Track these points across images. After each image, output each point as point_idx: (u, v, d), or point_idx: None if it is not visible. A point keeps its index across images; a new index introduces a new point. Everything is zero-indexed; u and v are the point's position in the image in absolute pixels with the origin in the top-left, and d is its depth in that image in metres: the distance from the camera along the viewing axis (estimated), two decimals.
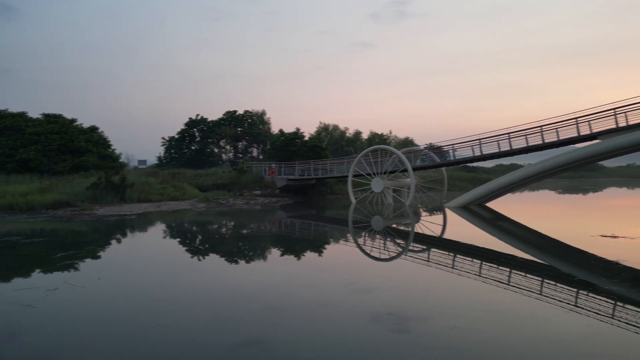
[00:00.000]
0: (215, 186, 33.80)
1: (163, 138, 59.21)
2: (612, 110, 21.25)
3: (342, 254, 13.56)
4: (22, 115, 36.13)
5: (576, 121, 22.67)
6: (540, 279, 9.44)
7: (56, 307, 7.47)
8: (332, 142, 60.31)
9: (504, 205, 26.75)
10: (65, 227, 17.89)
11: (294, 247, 14.61)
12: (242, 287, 8.86)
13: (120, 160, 41.28)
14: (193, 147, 58.98)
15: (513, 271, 10.31)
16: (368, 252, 13.33)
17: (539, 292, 8.24)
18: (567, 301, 7.64)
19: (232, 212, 24.90)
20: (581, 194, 41.78)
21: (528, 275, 9.92)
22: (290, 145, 42.66)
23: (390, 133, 64.11)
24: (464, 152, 28.11)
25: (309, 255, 13.01)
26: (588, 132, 22.21)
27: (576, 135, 22.73)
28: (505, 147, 25.47)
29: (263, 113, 64.51)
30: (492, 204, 26.69)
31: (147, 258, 12.36)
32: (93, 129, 38.80)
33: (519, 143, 24.94)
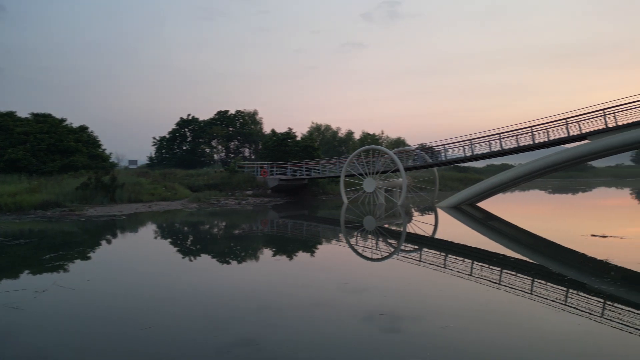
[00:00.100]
0: (207, 186, 33.63)
1: (154, 138, 58.85)
2: (602, 111, 21.45)
3: (334, 254, 13.54)
4: (10, 115, 35.66)
5: (566, 121, 22.87)
6: (531, 278, 9.49)
7: (44, 309, 7.36)
8: (324, 142, 60.29)
9: (495, 205, 26.91)
10: (54, 227, 17.68)
11: (286, 247, 14.57)
12: (234, 288, 8.80)
13: (111, 160, 40.92)
14: (184, 147, 58.64)
15: (504, 271, 10.35)
16: (360, 252, 13.32)
17: (530, 292, 8.28)
18: (558, 300, 7.69)
19: (223, 213, 24.78)
20: (571, 194, 42.17)
21: (519, 274, 9.97)
22: (283, 145, 42.57)
23: (382, 133, 64.31)
24: (456, 152, 28.25)
25: (302, 256, 12.97)
26: (578, 133, 22.42)
27: (566, 135, 22.93)
28: (496, 147, 25.63)
29: (255, 113, 64.35)
30: (483, 204, 26.84)
31: (137, 259, 12.25)
32: (83, 128, 38.41)
33: (509, 143, 25.10)
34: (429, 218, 22.65)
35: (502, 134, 25.28)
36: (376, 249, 14.00)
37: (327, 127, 64.86)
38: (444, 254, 12.68)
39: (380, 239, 16.11)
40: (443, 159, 29.47)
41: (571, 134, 22.71)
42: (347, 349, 5.62)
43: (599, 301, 7.70)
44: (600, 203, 32.90)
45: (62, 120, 37.29)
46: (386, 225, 20.12)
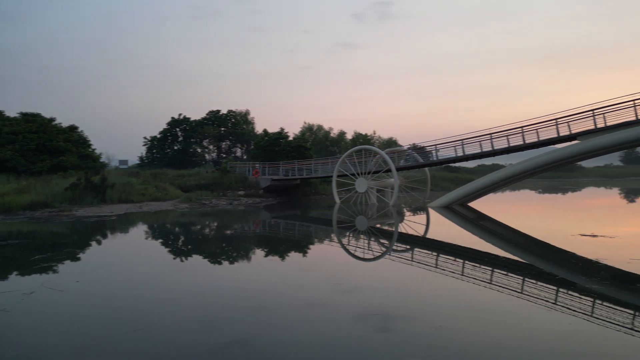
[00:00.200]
0: (198, 186, 33.45)
1: (145, 138, 58.46)
2: (591, 112, 21.66)
3: (327, 254, 13.52)
4: None
5: (556, 122, 23.06)
6: (522, 278, 9.54)
7: (32, 311, 7.25)
8: (317, 142, 60.29)
9: (486, 205, 27.06)
10: (43, 228, 17.47)
11: (278, 247, 14.52)
12: (227, 288, 8.74)
13: (101, 160, 40.56)
14: (175, 147, 58.30)
15: (496, 270, 10.40)
16: (352, 252, 13.32)
17: (521, 291, 8.31)
18: (548, 299, 7.73)
19: (215, 213, 24.66)
20: (561, 194, 42.55)
21: (510, 274, 10.02)
22: (275, 145, 42.49)
23: (375, 133, 64.52)
24: (447, 153, 28.38)
25: (294, 256, 12.94)
26: (567, 133, 22.62)
27: (556, 136, 23.12)
28: (487, 147, 25.78)
29: (247, 113, 64.16)
30: (474, 204, 26.98)
31: (127, 260, 12.13)
32: (72, 128, 38.01)
33: (500, 143, 25.28)
34: (421, 218, 22.72)
35: (493, 134, 25.45)
36: (368, 249, 14.00)
37: (320, 127, 64.89)
38: (435, 254, 12.72)
39: (373, 239, 16.12)
40: (434, 159, 29.59)
41: (561, 134, 22.91)
42: (339, 349, 5.60)
43: (589, 300, 7.76)
44: (589, 203, 33.23)
45: (52, 119, 36.88)
46: (378, 225, 20.14)
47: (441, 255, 12.57)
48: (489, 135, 25.56)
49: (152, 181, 31.97)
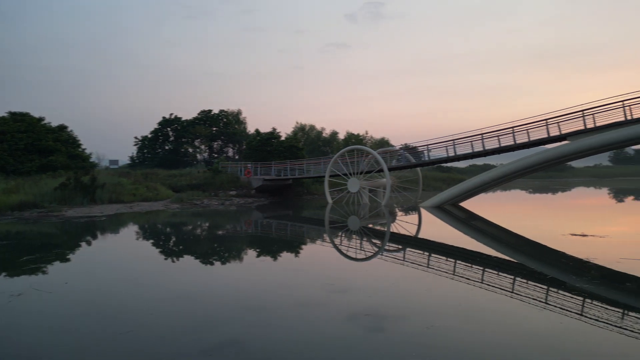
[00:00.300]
0: (190, 187, 33.27)
1: (136, 137, 58.03)
2: (581, 112, 21.84)
3: (319, 254, 13.49)
4: None
5: (546, 122, 23.24)
6: (513, 277, 9.58)
7: (19, 313, 7.14)
8: (309, 142, 60.26)
9: (477, 205, 27.20)
10: (31, 229, 17.25)
11: (270, 247, 14.46)
12: (218, 289, 8.68)
13: (91, 160, 40.23)
14: (167, 147, 57.93)
15: (487, 270, 10.43)
16: (345, 252, 13.30)
17: (512, 291, 8.35)
18: (539, 299, 7.77)
19: (207, 213, 24.52)
20: (551, 194, 42.91)
21: (502, 273, 10.06)
22: (267, 145, 42.39)
23: (367, 133, 64.63)
24: (439, 153, 28.49)
25: (286, 256, 12.89)
26: (557, 133, 22.79)
27: (546, 136, 23.30)
28: (478, 147, 25.92)
29: (239, 112, 63.96)
30: (466, 204, 27.10)
31: (117, 261, 12.00)
32: (62, 127, 37.64)
33: (491, 144, 25.42)
34: (413, 218, 22.77)
35: (484, 135, 25.58)
36: (361, 249, 14.00)
37: (312, 127, 64.87)
38: (427, 254, 12.74)
39: (365, 239, 16.12)
40: (426, 159, 29.68)
41: (551, 134, 23.09)
42: (332, 349, 5.57)
43: (580, 299, 7.80)
44: (579, 203, 33.55)
45: (41, 119, 36.49)
46: (370, 225, 20.15)
47: (433, 255, 12.60)
48: (480, 136, 25.70)
49: (143, 181, 31.73)
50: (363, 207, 27.87)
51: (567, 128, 22.45)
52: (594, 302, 7.64)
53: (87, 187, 25.62)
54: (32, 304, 7.57)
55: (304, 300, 7.75)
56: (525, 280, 9.26)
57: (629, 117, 20.38)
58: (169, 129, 58.42)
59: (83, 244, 14.64)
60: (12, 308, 7.31)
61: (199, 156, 59.98)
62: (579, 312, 7.01)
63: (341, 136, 62.54)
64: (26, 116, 35.79)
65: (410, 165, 30.52)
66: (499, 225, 19.03)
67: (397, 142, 75.98)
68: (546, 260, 11.76)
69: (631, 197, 36.09)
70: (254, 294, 8.23)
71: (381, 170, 29.06)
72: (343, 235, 16.83)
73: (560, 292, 8.38)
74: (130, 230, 18.03)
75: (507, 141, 24.79)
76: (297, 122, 67.05)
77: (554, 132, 22.95)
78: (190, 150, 59.20)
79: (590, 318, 6.70)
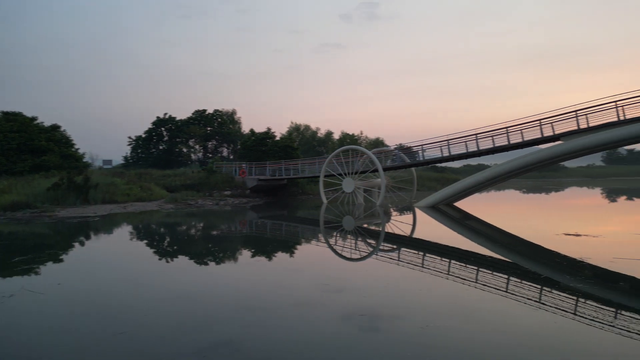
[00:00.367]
0: (184, 187, 33.16)
1: (129, 137, 57.68)
2: (574, 113, 21.98)
3: (314, 254, 13.47)
4: None
5: (540, 123, 23.36)
6: (507, 277, 9.61)
7: (11, 315, 7.07)
8: (304, 142, 60.24)
9: (471, 205, 27.29)
10: (24, 229, 17.11)
11: (265, 248, 14.43)
12: (213, 289, 8.64)
13: (84, 160, 39.95)
14: (161, 147, 57.65)
15: (481, 269, 10.46)
16: (340, 252, 13.29)
17: (506, 290, 8.37)
18: (533, 298, 7.80)
19: (201, 213, 24.44)
20: (544, 194, 43.15)
21: (496, 273, 10.09)
22: (261, 145, 42.33)
23: (362, 133, 64.73)
24: (433, 153, 28.56)
25: (281, 256, 12.86)
26: (551, 134, 22.92)
27: (540, 136, 23.42)
28: (472, 147, 26.01)
29: (233, 112, 63.84)
30: (460, 204, 27.19)
31: (111, 262, 11.92)
32: (55, 127, 37.37)
33: (486, 144, 25.51)
34: (407, 218, 22.81)
35: (478, 135, 25.67)
36: (355, 249, 13.99)
37: (307, 127, 64.86)
38: (422, 254, 12.76)
39: (360, 239, 16.12)
40: (421, 159, 29.75)
41: (545, 134, 23.21)
42: (327, 349, 5.56)
43: (574, 299, 7.84)
44: (573, 203, 33.75)
45: (33, 118, 36.21)
46: (365, 225, 20.16)
47: (428, 254, 12.62)
48: (474, 136, 25.80)
49: (136, 181, 31.59)
50: (358, 207, 27.88)
51: (560, 128, 22.59)
52: (588, 302, 7.68)
53: (80, 187, 25.46)
54: (23, 305, 7.48)
55: (299, 300, 7.73)
56: (519, 280, 9.29)
57: (621, 118, 20.53)
58: (163, 128, 58.14)
59: (76, 244, 14.53)
60: (3, 309, 7.23)
61: (193, 156, 59.78)
62: (573, 312, 7.04)
63: (336, 136, 62.60)
64: (18, 116, 35.52)
65: (405, 165, 30.58)
66: (493, 225, 19.10)
67: (391, 142, 76.28)
68: (540, 259, 11.81)
69: (624, 197, 36.36)
70: (249, 294, 8.20)
71: (376, 170, 29.10)
72: (338, 235, 16.82)
73: (554, 291, 8.42)
74: (124, 231, 17.92)
75: (501, 141, 24.91)
76: (292, 122, 67.14)
77: (548, 132, 23.08)
78: (185, 150, 58.98)
79: (584, 317, 6.73)
